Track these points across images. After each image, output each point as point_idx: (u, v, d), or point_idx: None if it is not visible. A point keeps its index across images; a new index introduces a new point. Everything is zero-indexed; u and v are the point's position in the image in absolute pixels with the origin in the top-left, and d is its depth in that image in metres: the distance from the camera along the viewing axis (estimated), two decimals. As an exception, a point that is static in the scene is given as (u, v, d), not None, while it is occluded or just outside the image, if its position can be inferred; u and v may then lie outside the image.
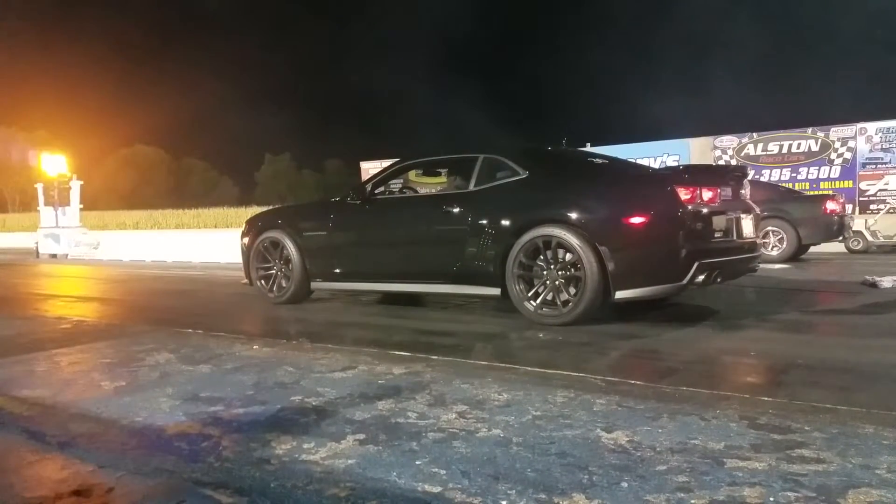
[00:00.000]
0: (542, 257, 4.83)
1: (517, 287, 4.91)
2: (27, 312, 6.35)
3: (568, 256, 4.71)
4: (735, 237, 4.91)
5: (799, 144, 16.08)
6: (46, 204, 19.04)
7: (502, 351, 4.26)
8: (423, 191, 7.18)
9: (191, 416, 2.79)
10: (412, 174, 8.02)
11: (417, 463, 2.16)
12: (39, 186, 20.10)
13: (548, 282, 4.78)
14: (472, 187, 5.41)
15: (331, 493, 1.95)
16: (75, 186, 20.80)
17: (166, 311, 6.54)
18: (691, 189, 4.57)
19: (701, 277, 4.51)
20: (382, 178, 6.27)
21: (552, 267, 4.77)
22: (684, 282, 4.47)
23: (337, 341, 4.43)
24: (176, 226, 39.14)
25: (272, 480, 2.06)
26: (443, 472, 2.07)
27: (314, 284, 6.33)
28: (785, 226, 10.60)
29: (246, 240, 6.80)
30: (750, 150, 16.71)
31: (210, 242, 14.82)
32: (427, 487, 1.96)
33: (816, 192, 13.56)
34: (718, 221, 4.71)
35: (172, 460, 2.29)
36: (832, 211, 10.60)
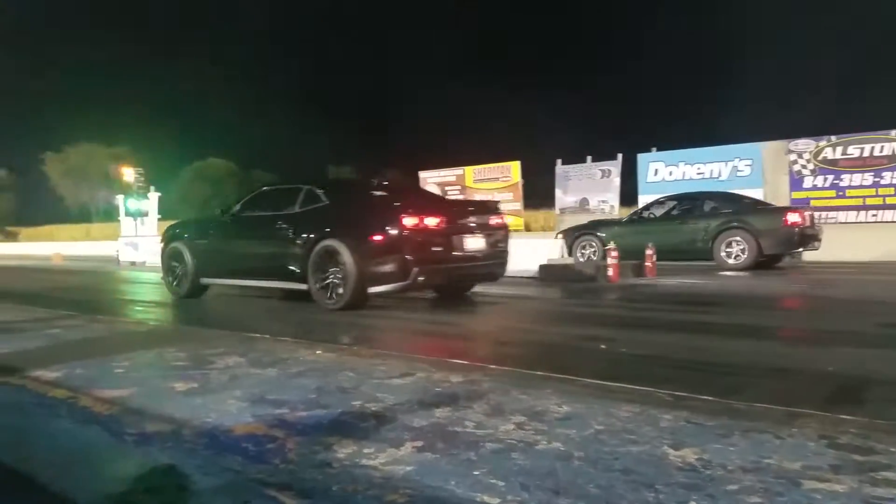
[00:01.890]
0: (327, 262, 6.56)
1: (313, 283, 6.66)
2: (109, 316, 6.70)
3: (341, 262, 6.41)
4: (459, 252, 6.60)
5: (882, 148, 15.22)
6: (127, 214, 20.12)
7: (561, 362, 4.21)
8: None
9: (257, 417, 2.88)
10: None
11: (475, 473, 2.15)
12: (120, 198, 21.29)
13: (330, 278, 6.52)
14: (296, 210, 7.18)
15: (390, 498, 1.97)
16: (153, 198, 21.94)
17: (235, 317, 6.78)
18: (417, 216, 6.25)
19: (421, 279, 6.29)
20: (246, 200, 8.14)
21: (333, 269, 6.50)
22: (409, 281, 6.25)
23: (395, 348, 4.48)
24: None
25: (334, 484, 2.10)
26: (501, 483, 2.06)
27: (203, 280, 8.25)
28: (747, 236, 11.29)
29: (161, 245, 8.87)
30: (828, 153, 15.95)
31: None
32: (485, 498, 1.95)
33: (780, 206, 13.74)
34: (438, 240, 6.37)
35: (239, 461, 2.36)
36: (793, 223, 11.19)
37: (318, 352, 4.41)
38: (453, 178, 22.83)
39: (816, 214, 13.60)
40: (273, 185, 8.80)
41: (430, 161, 25.19)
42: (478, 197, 21.10)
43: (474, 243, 6.78)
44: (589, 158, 19.97)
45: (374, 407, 2.99)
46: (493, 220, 7.23)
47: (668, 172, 18.61)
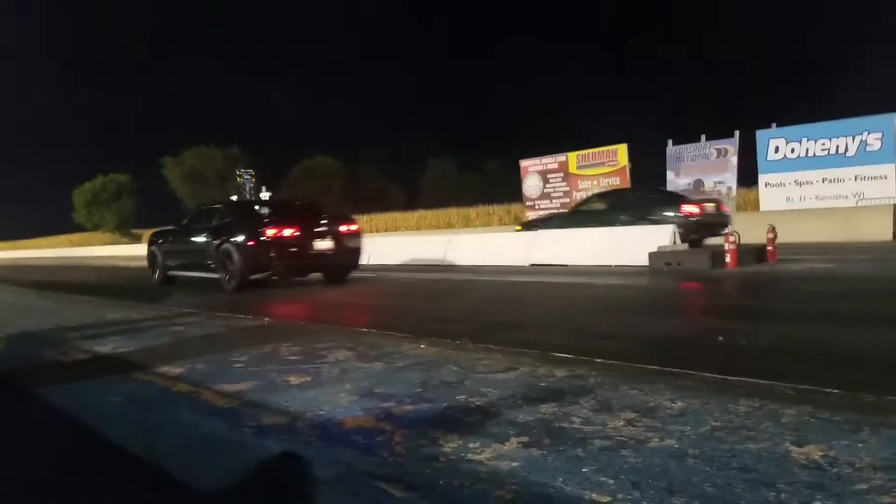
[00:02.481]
0: (226, 259, 9.79)
1: (220, 272, 9.95)
2: (227, 313, 7.18)
3: (233, 259, 9.64)
4: (311, 250, 9.58)
5: None
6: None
7: (674, 356, 4.06)
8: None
9: (366, 410, 2.99)
10: None
11: (584, 470, 2.13)
12: (234, 199, 22.67)
13: (229, 269, 9.76)
14: (213, 223, 10.57)
15: (496, 494, 1.99)
16: (265, 197, 23.16)
17: (341, 311, 7.05)
18: (276, 227, 9.44)
19: (280, 269, 9.48)
20: (191, 216, 11.95)
21: (229, 263, 9.73)
22: (271, 272, 9.43)
23: (497, 341, 4.50)
24: (352, 229, 42.21)
25: (440, 478, 2.15)
26: (611, 481, 2.03)
27: (169, 273, 11.86)
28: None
29: (146, 246, 12.94)
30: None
31: (377, 246, 15.78)
32: (595, 496, 1.93)
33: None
34: (293, 243, 9.42)
35: (350, 453, 2.47)
36: (689, 213, 12.28)
37: (421, 346, 4.51)
38: (556, 165, 22.48)
39: None
40: (206, 205, 11.96)
41: (533, 148, 24.96)
42: (583, 183, 21.22)
43: (323, 245, 9.79)
44: (703, 137, 19.01)
45: (478, 401, 3.03)
46: (344, 227, 10.17)
47: (789, 150, 17.38)
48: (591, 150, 21.55)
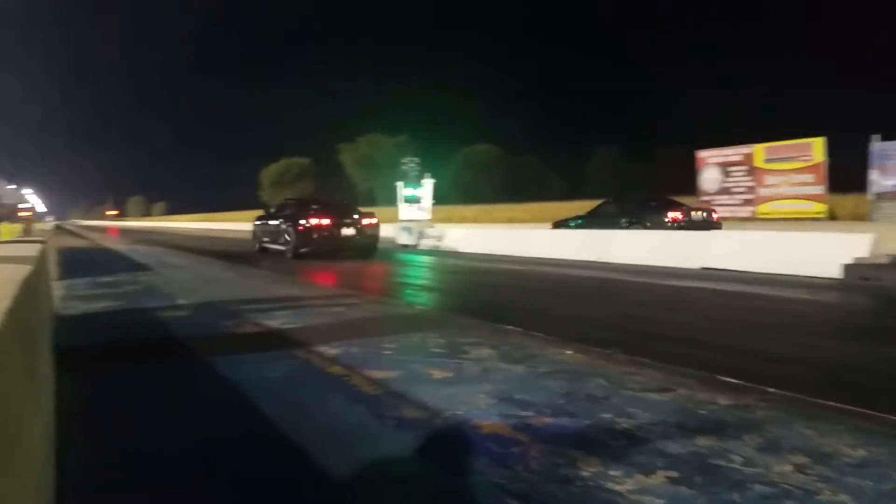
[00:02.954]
0: (286, 237, 14.37)
1: (284, 246, 14.30)
2: (384, 297, 7.49)
3: (290, 237, 14.25)
4: (338, 235, 13.77)
5: None
6: (404, 201, 22.28)
7: (862, 393, 3.56)
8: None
9: (504, 417, 2.94)
10: None
11: (738, 520, 1.92)
12: (399, 185, 23.59)
13: (288, 245, 14.27)
14: (284, 213, 15.42)
15: (634, 533, 1.85)
16: (428, 184, 23.86)
17: (491, 306, 7.04)
18: (314, 218, 13.85)
19: (316, 247, 13.67)
20: (275, 205, 18.09)
21: (287, 239, 14.30)
22: (310, 248, 13.71)
23: (653, 355, 4.23)
24: (508, 219, 42.15)
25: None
26: (769, 538, 1.80)
27: (262, 245, 16.26)
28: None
29: (250, 225, 17.71)
30: None
31: (530, 237, 15.60)
32: (748, 554, 1.72)
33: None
34: (325, 229, 13.72)
35: (482, 461, 2.44)
36: (674, 219, 14.49)
37: (568, 352, 4.37)
38: (739, 158, 20.79)
39: None
40: (286, 199, 17.91)
41: (710, 139, 23.23)
42: (770, 178, 19.82)
43: (348, 232, 14.12)
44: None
45: (624, 423, 2.85)
46: (366, 221, 14.63)
47: None
48: (781, 143, 19.68)
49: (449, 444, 2.65)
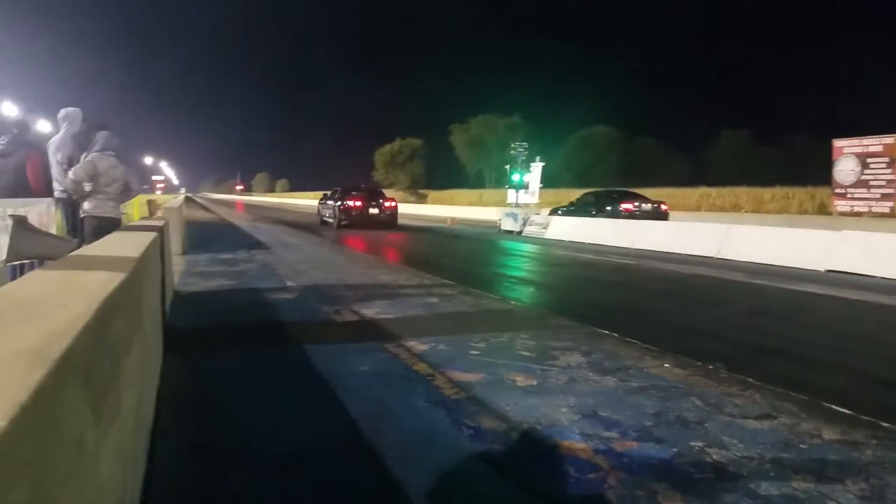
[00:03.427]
0: (333, 213, 21.21)
1: (332, 220, 21.22)
2: (479, 290, 7.49)
3: (336, 213, 21.04)
4: (366, 213, 20.18)
5: None
6: (509, 186, 22.14)
7: None
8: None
9: (586, 436, 2.86)
10: None
11: (828, 588, 1.75)
12: (508, 168, 23.44)
13: (335, 216, 21.10)
14: (334, 196, 21.71)
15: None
16: (535, 169, 23.53)
17: (589, 306, 6.86)
18: (351, 200, 20.44)
19: (352, 221, 20.25)
20: (333, 190, 22.25)
21: (335, 214, 21.04)
22: (348, 221, 20.22)
23: (760, 374, 3.95)
24: (622, 206, 40.95)
25: (645, 547, 1.95)
26: None
27: (324, 219, 22.68)
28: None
29: (318, 203, 24.90)
30: None
31: (643, 228, 14.98)
32: None
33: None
34: (358, 208, 20.25)
35: (556, 483, 2.38)
36: (625, 209, 18.45)
37: (665, 365, 4.17)
38: (880, 148, 18.99)
39: None
40: (334, 188, 22.27)
41: (853, 126, 21.36)
42: None
43: (373, 210, 20.20)
44: None
45: (716, 454, 2.68)
46: (387, 203, 20.90)
47: None
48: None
49: (523, 463, 2.61)
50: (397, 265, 9.93)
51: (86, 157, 5.79)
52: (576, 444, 2.78)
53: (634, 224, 15.75)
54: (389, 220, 20.67)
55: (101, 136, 5.76)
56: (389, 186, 74.20)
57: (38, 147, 6.22)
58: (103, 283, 1.69)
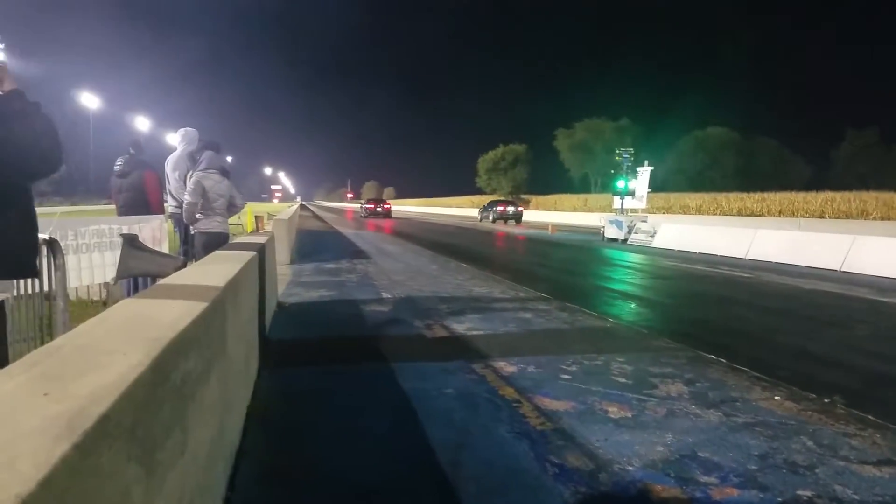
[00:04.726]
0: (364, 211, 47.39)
1: (364, 214, 46.19)
2: (576, 305, 7.26)
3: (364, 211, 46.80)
4: (375, 210, 45.06)
5: None
6: (614, 193, 21.46)
7: None
8: None
9: (681, 481, 2.65)
10: None
11: None
12: (614, 173, 22.73)
13: (362, 211, 48.95)
14: (364, 201, 57.42)
15: None
16: (643, 173, 22.58)
17: (695, 325, 6.46)
18: (369, 203, 47.98)
19: (367, 215, 45.99)
20: (363, 199, 69.73)
21: (363, 210, 47.80)
22: (366, 216, 44.79)
23: (882, 411, 3.54)
24: (738, 210, 38.58)
25: None
26: None
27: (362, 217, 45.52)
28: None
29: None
30: None
31: (761, 237, 14.02)
32: None
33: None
34: (372, 207, 46.05)
35: (643, 536, 2.21)
36: (499, 211, 37.08)
37: (776, 397, 3.83)
38: None
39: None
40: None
41: None
42: None
43: (378, 209, 44.58)
44: None
45: (826, 509, 2.40)
46: (385, 205, 46.04)
47: None
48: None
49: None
50: (493, 276, 9.83)
51: (190, 175, 6.13)
52: (669, 489, 2.57)
53: (748, 233, 14.76)
54: (386, 215, 42.01)
55: (206, 155, 6.07)
56: (492, 192, 74.44)
57: (153, 166, 6.66)
58: (176, 320, 1.73)
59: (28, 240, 2.10)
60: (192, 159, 6.92)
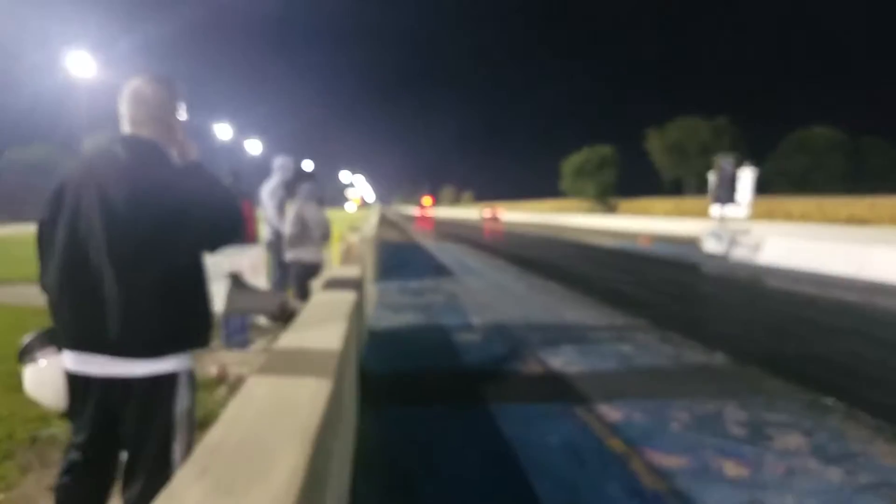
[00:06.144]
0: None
1: None
2: (680, 335, 7.12)
3: None
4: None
5: None
6: (713, 201, 20.73)
7: None
8: None
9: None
10: None
11: None
12: (710, 175, 21.81)
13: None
14: None
15: None
16: (745, 177, 21.42)
17: (808, 361, 6.16)
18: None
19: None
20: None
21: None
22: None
23: None
24: (846, 217, 36.50)
25: None
26: None
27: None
28: None
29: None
30: None
31: (880, 254, 13.19)
32: None
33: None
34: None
35: None
36: (485, 215, 66.73)
37: (908, 456, 3.66)
38: None
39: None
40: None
41: None
42: None
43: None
44: None
45: None
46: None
47: None
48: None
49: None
50: (584, 298, 9.75)
51: (287, 205, 6.47)
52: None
53: (863, 250, 13.90)
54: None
55: (304, 188, 6.39)
56: (577, 196, 73.49)
57: (250, 195, 7.05)
58: (312, 399, 1.88)
59: (203, 313, 2.23)
60: (287, 188, 7.29)
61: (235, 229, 2.17)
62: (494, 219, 47.47)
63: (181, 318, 2.10)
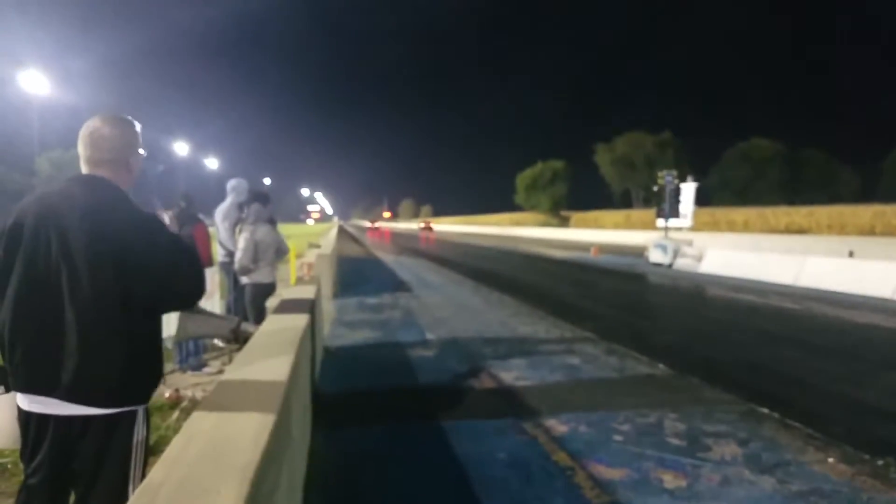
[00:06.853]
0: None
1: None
2: (624, 347, 7.26)
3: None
4: (373, 226, 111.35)
5: None
6: (658, 215, 21.25)
7: None
8: None
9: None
10: None
11: None
12: (656, 190, 22.36)
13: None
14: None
15: None
16: (687, 189, 22.04)
17: (746, 370, 6.36)
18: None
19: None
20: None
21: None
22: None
23: None
24: (786, 226, 37.70)
25: None
26: None
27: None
28: None
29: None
30: None
31: (813, 263, 13.71)
32: None
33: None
34: (371, 226, 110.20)
35: None
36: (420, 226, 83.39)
37: (829, 459, 3.82)
38: None
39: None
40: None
41: None
42: None
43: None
44: None
45: None
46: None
47: None
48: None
49: None
50: (537, 311, 9.86)
51: (240, 230, 6.39)
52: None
53: (798, 259, 14.40)
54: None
55: (253, 209, 6.31)
56: (531, 209, 74.30)
57: (202, 219, 6.94)
58: (255, 437, 1.87)
59: (158, 367, 2.20)
60: (241, 209, 7.21)
61: (193, 295, 2.13)
62: (429, 228, 57.95)
63: (138, 370, 2.06)
